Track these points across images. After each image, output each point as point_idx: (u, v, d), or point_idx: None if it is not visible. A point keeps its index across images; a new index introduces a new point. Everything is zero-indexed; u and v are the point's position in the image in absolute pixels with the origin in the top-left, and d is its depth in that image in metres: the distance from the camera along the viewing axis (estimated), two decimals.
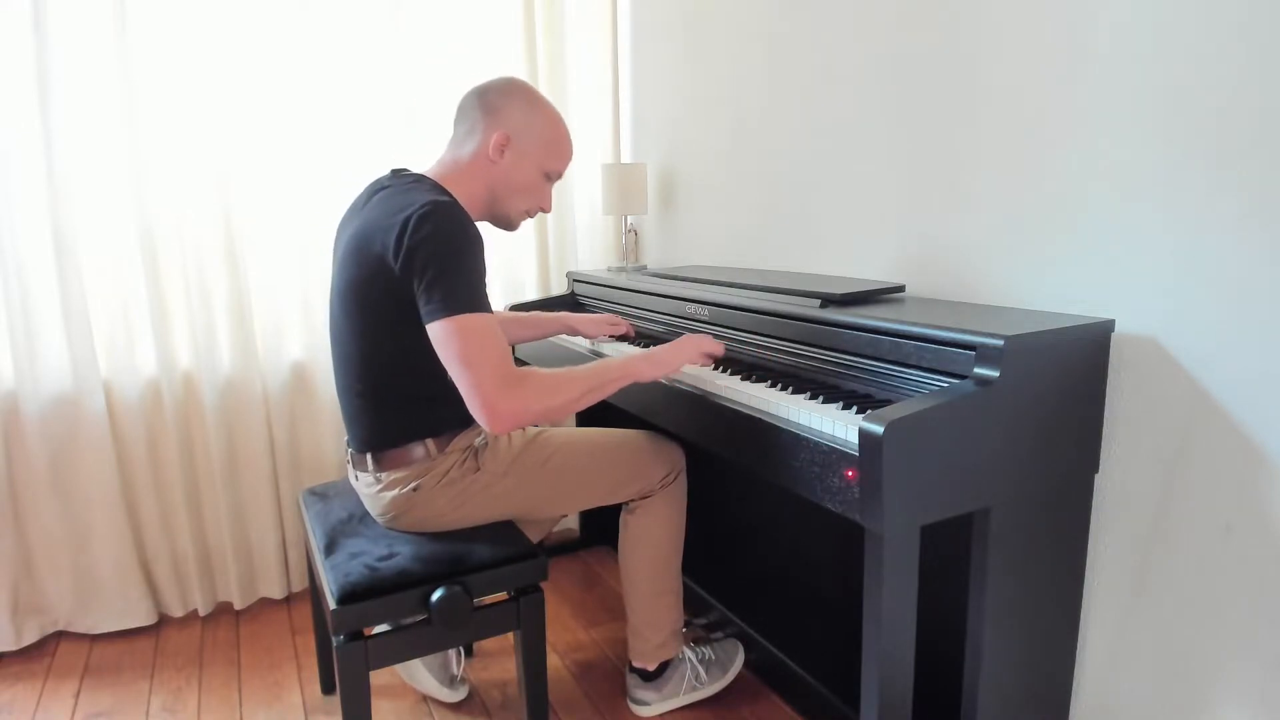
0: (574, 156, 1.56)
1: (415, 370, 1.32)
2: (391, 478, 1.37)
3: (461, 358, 1.19)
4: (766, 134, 1.91)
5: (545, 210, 1.49)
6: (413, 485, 1.37)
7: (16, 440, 1.89)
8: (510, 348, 1.41)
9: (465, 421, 1.40)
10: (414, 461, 1.36)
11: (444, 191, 1.31)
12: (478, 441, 1.41)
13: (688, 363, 1.41)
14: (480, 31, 2.25)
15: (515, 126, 1.38)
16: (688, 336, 1.45)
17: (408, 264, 1.21)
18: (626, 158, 2.58)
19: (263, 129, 2.02)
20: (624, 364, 1.34)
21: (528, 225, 2.37)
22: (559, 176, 1.47)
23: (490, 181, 1.40)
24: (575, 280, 2.28)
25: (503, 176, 1.39)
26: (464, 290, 1.20)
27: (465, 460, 1.39)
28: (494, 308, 2.36)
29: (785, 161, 1.85)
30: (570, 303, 2.29)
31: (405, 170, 1.40)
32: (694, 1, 2.12)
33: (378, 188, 1.36)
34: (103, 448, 1.92)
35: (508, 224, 1.47)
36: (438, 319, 1.20)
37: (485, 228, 2.24)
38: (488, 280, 2.38)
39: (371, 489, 1.40)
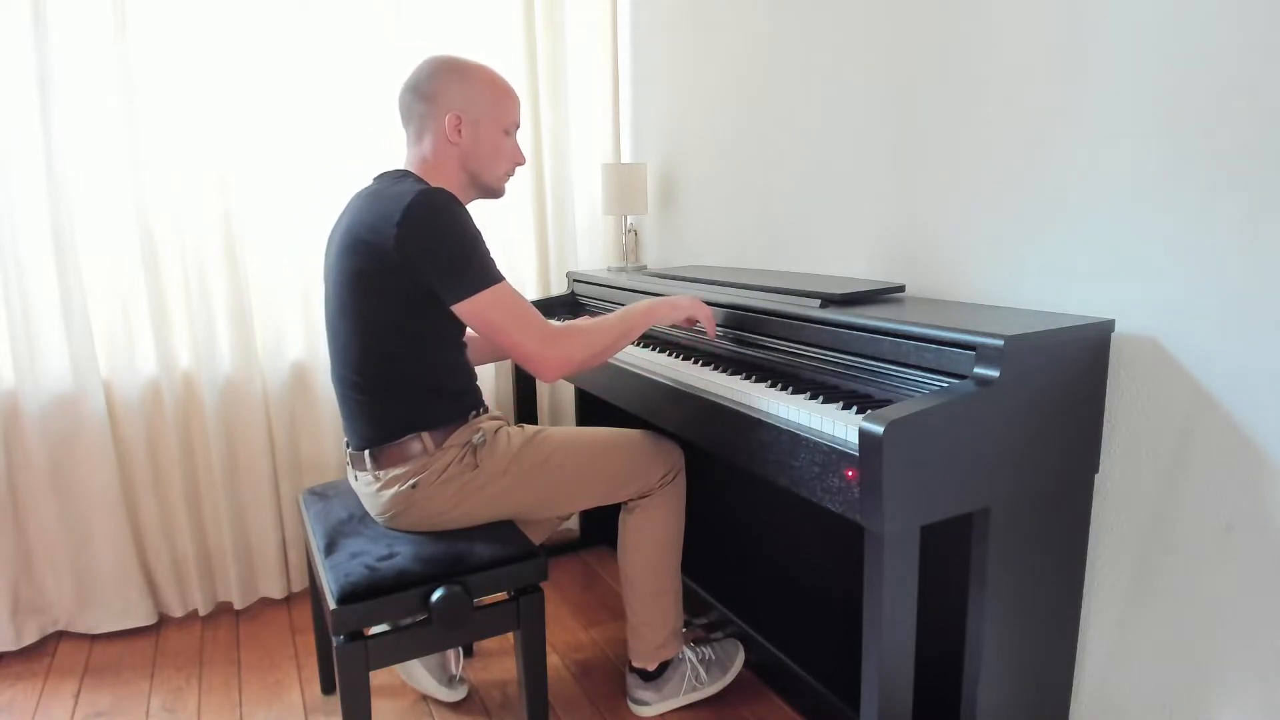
0: (520, 102, 1.61)
1: (416, 359, 1.35)
2: (390, 475, 1.38)
3: (498, 327, 1.30)
4: (767, 133, 1.91)
5: (520, 163, 1.51)
6: (411, 483, 1.37)
7: (16, 440, 1.89)
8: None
9: (462, 416, 1.42)
10: (412, 458, 1.37)
11: (427, 184, 1.35)
12: (476, 439, 1.41)
13: (695, 309, 1.49)
14: (480, 32, 2.26)
15: (459, 103, 1.40)
16: (690, 296, 1.54)
17: (411, 254, 1.26)
18: (626, 158, 2.58)
19: (263, 129, 2.02)
20: (647, 309, 1.44)
21: (527, 225, 2.38)
22: (518, 126, 1.50)
23: (461, 162, 1.44)
24: (575, 280, 2.28)
25: (470, 152, 1.43)
26: (477, 266, 1.29)
27: (464, 457, 1.40)
28: None
29: (785, 161, 1.85)
30: (570, 303, 2.29)
31: (389, 171, 1.44)
32: (694, 1, 2.12)
33: (364, 190, 1.41)
34: (103, 448, 1.92)
35: (495, 192, 1.51)
36: (463, 299, 1.28)
37: (479, 212, 2.26)
38: None
39: (371, 488, 1.41)
